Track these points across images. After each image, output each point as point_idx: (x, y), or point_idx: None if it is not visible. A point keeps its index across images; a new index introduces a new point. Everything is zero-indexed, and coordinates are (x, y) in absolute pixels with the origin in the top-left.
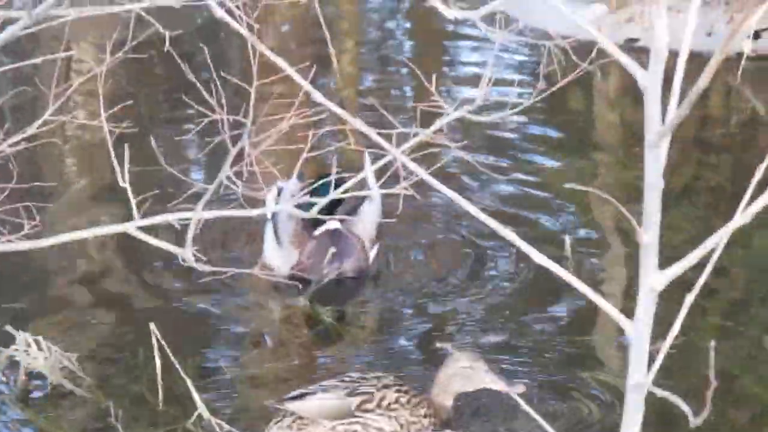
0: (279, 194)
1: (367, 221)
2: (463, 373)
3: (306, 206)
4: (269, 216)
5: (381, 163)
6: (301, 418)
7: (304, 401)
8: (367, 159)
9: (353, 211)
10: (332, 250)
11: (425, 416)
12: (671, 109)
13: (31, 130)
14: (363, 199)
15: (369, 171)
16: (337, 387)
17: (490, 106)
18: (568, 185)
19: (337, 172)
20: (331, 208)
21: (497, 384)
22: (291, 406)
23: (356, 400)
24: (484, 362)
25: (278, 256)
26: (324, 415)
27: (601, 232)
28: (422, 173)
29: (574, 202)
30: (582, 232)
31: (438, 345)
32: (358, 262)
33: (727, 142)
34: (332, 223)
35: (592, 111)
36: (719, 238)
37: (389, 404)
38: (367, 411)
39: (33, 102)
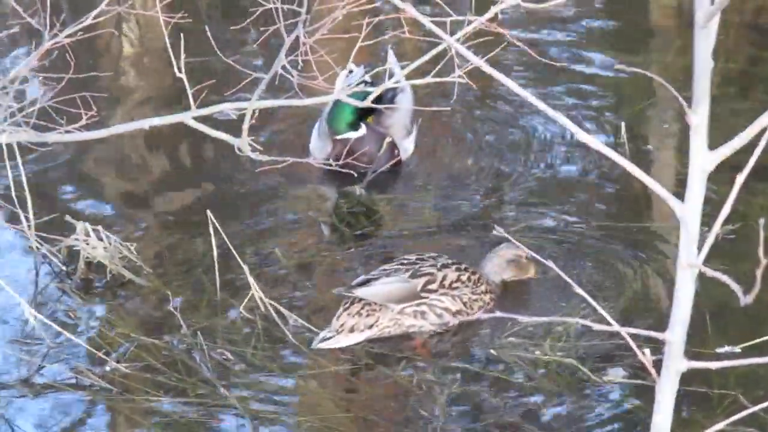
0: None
1: (402, 111)
2: (518, 262)
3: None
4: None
5: (435, 51)
6: (369, 304)
7: (371, 287)
8: (391, 53)
9: (389, 103)
10: (364, 150)
11: (485, 292)
12: None
13: (87, 20)
14: (396, 91)
15: (394, 62)
16: (399, 270)
17: None
18: (618, 66)
19: (366, 71)
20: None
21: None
22: (359, 292)
23: (420, 281)
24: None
25: (315, 145)
26: (391, 299)
27: (656, 117)
28: (476, 60)
29: (630, 88)
30: (637, 117)
31: (495, 231)
32: (383, 159)
33: None
34: (356, 133)
35: None
36: None
37: (451, 283)
38: (431, 291)
39: None
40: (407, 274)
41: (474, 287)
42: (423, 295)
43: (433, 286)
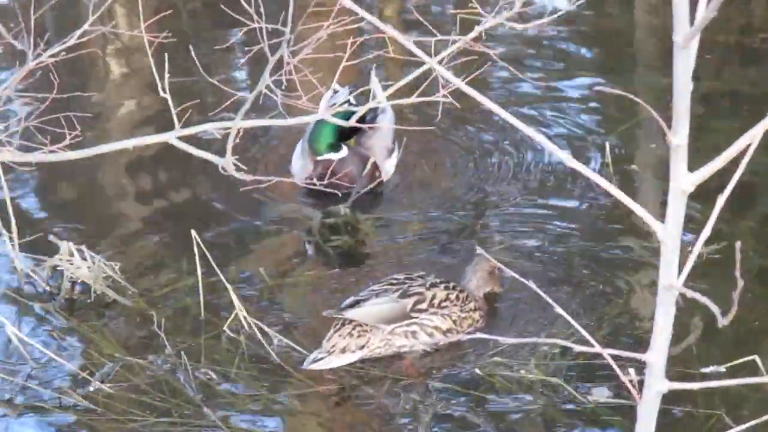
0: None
1: (383, 132)
2: (495, 273)
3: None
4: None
5: (419, 71)
6: (360, 325)
7: (362, 308)
8: (373, 73)
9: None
10: (346, 170)
11: (474, 310)
12: (700, 9)
13: (71, 41)
14: (376, 112)
15: (375, 83)
16: (388, 290)
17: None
18: (597, 88)
19: (351, 91)
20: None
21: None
22: (349, 314)
23: (410, 300)
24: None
25: (297, 165)
26: (382, 320)
27: (642, 138)
28: (458, 82)
29: (615, 108)
30: (622, 138)
31: (477, 251)
32: (366, 179)
33: None
34: (338, 154)
35: (633, 18)
36: (749, 140)
37: (440, 302)
38: (420, 311)
39: (74, 12)
40: (396, 294)
41: (462, 305)
42: (413, 314)
43: (423, 306)
